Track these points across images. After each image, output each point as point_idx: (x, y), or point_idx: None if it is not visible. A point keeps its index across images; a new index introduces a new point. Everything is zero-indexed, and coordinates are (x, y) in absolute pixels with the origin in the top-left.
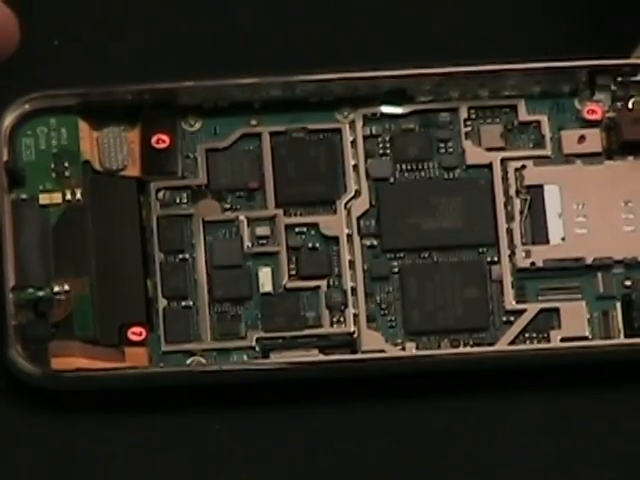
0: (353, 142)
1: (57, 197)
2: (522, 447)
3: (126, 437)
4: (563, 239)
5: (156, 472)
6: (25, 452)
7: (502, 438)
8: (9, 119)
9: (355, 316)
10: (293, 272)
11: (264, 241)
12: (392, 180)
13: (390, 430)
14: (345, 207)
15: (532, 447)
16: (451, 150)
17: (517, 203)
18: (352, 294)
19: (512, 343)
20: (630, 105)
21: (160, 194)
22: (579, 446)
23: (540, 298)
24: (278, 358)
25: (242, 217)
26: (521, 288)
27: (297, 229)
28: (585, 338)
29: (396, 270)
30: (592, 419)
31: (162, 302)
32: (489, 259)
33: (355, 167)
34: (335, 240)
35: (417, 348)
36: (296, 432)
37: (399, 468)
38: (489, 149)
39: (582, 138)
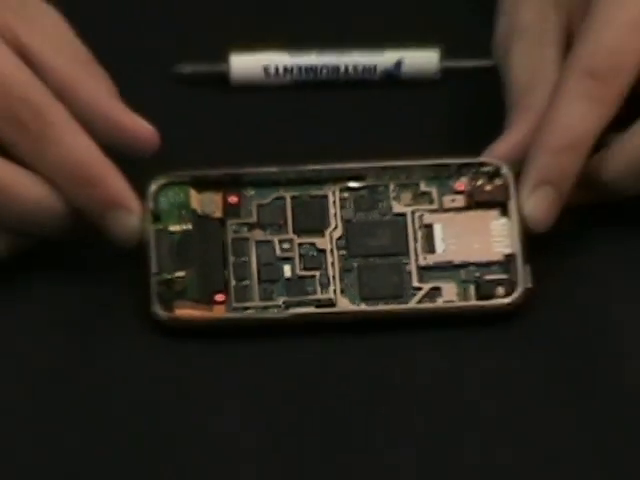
0: (334, 202)
1: (179, 227)
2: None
3: (218, 358)
4: (444, 250)
5: (234, 386)
6: (154, 371)
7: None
8: (153, 187)
9: (334, 290)
10: (302, 267)
11: (287, 251)
12: (355, 221)
13: (342, 360)
14: (330, 234)
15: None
16: (385, 205)
17: (420, 233)
18: (333, 278)
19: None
20: (480, 182)
21: (233, 227)
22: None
23: (431, 281)
24: (295, 311)
25: (275, 239)
26: (421, 275)
27: (304, 245)
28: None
29: (356, 266)
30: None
31: (233, 281)
32: (405, 261)
33: (335, 214)
34: (324, 251)
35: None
36: (293, 358)
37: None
38: (406, 205)
39: (453, 200)
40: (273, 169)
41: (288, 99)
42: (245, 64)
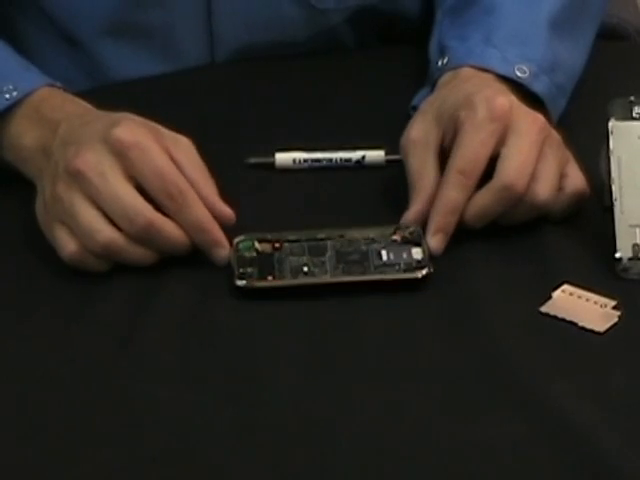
0: (329, 244)
1: (248, 255)
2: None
3: (269, 308)
4: (387, 259)
5: (280, 314)
6: (236, 311)
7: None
8: (237, 239)
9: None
10: (312, 266)
11: (305, 263)
12: (340, 250)
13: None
14: (327, 256)
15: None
16: (357, 245)
17: (375, 255)
18: (328, 271)
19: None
20: (405, 233)
21: (277, 256)
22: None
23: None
24: (310, 280)
25: (298, 259)
26: (376, 268)
27: (315, 262)
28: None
29: (341, 267)
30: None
31: (277, 273)
32: (366, 263)
33: (329, 248)
34: (324, 262)
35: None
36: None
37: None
38: (364, 246)
39: (393, 240)
40: (299, 234)
41: (304, 176)
42: (283, 157)
